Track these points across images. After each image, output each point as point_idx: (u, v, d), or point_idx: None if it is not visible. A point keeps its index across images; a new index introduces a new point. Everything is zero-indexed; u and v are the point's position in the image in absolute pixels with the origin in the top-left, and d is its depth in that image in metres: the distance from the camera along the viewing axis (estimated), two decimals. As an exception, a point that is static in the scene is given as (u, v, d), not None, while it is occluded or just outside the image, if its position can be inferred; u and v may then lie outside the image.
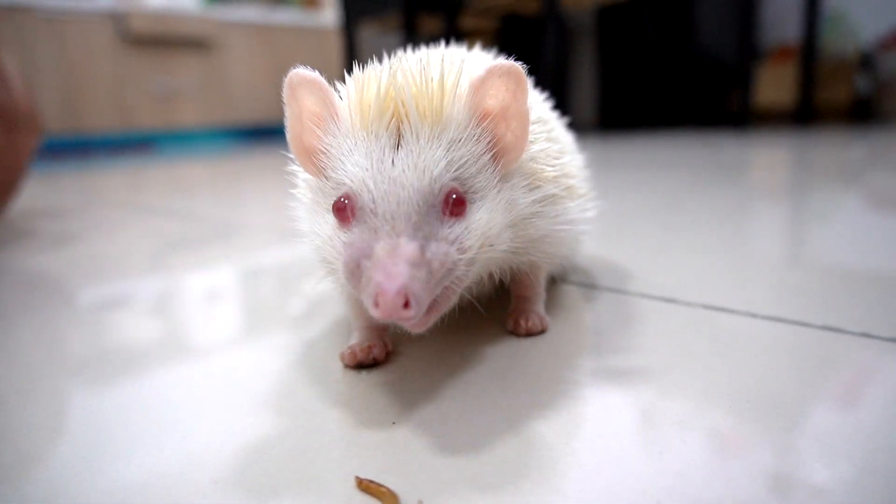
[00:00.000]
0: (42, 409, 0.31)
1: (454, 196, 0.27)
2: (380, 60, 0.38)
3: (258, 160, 1.91)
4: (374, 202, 0.26)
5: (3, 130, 0.70)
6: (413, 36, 2.24)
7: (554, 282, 0.47)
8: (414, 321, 0.25)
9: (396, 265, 0.24)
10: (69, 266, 0.65)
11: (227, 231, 0.81)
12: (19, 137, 0.72)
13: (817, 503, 0.19)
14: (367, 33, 2.93)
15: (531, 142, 0.32)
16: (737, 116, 2.16)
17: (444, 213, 0.27)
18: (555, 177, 0.34)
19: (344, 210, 0.27)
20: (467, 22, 2.83)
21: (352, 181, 0.27)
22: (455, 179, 0.28)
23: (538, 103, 0.39)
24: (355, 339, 0.35)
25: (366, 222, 0.26)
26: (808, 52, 2.11)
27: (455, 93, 0.28)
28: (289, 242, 0.68)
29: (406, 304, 0.23)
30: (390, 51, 0.41)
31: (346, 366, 0.34)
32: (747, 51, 2.09)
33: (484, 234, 0.28)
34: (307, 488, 0.23)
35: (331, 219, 0.29)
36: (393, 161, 0.27)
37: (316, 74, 0.29)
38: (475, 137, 0.29)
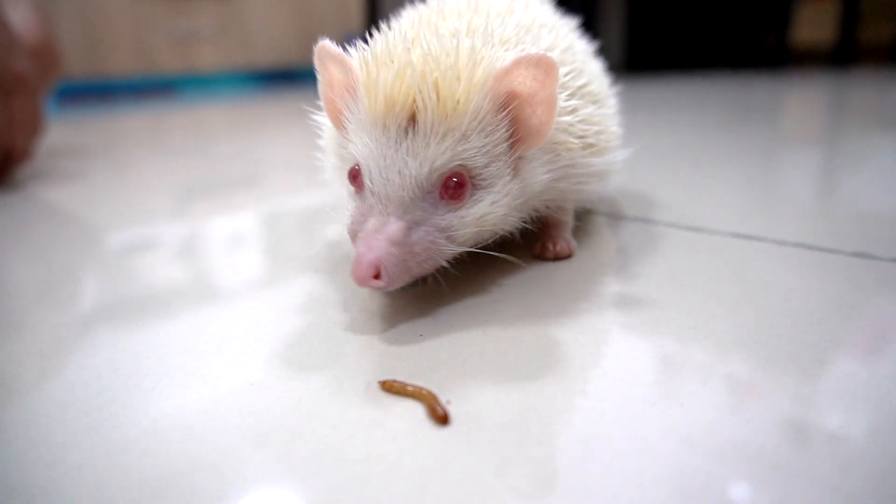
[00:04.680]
0: (66, 349, 0.31)
1: (454, 180, 0.28)
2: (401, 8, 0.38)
3: (278, 104, 1.89)
4: (372, 182, 0.28)
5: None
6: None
7: (581, 211, 0.47)
8: (384, 289, 0.28)
9: (377, 240, 0.26)
10: (92, 205, 0.66)
11: (249, 175, 0.81)
12: (15, 101, 0.69)
13: (834, 449, 0.19)
14: (388, -28, 2.83)
15: (567, 110, 0.33)
16: (773, 57, 2.07)
17: (443, 198, 0.28)
18: (581, 146, 0.33)
19: (355, 180, 0.30)
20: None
21: (360, 157, 0.29)
22: (460, 167, 0.28)
23: (572, 49, 0.38)
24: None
25: (366, 197, 0.28)
26: (852, -12, 2.00)
27: (478, 85, 0.28)
28: (311, 186, 0.68)
29: (377, 276, 0.26)
30: None
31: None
32: (787, -14, 1.98)
33: (479, 223, 0.29)
34: (336, 390, 0.23)
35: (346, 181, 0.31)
36: (400, 146, 0.28)
37: (340, 51, 0.31)
38: (491, 128, 0.29)
